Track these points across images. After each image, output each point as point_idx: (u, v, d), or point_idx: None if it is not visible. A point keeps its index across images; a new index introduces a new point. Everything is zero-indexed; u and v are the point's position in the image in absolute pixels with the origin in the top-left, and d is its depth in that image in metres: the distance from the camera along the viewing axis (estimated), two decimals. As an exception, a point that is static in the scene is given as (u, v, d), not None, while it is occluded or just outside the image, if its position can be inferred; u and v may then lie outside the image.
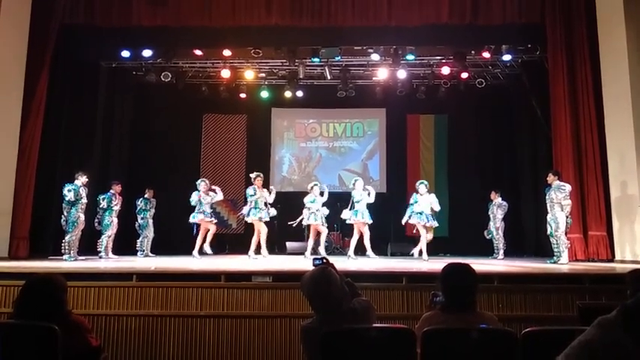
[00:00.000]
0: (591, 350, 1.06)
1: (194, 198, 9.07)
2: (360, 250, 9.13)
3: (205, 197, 9.11)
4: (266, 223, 9.01)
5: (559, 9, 8.82)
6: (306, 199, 9.27)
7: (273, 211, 9.09)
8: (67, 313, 2.76)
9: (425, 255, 8.63)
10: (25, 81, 8.67)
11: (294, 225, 9.79)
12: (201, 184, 9.23)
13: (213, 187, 9.36)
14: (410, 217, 8.82)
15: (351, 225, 9.11)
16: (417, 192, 8.87)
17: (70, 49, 9.33)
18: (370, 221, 8.87)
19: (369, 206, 8.98)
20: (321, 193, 9.28)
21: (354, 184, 9.04)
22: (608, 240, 8.19)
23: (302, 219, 9.39)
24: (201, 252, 8.98)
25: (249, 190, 8.98)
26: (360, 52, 10.86)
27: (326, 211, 9.26)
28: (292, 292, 4.96)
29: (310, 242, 9.36)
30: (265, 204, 9.00)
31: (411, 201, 8.93)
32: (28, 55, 8.74)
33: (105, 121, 11.06)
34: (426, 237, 8.71)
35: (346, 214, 8.99)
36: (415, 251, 8.98)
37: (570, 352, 1.10)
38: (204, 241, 9.05)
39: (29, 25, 8.79)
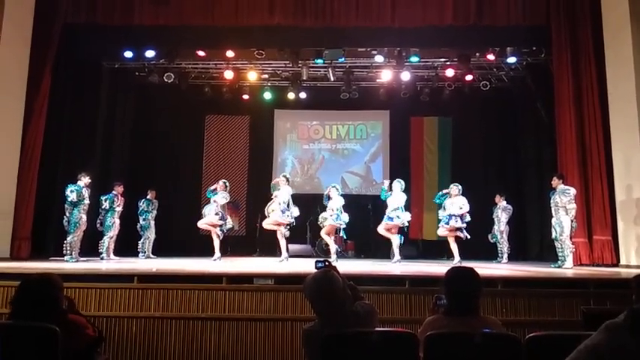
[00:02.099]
0: (598, 354, 1.05)
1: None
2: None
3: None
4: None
5: (564, 11, 8.79)
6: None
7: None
8: (63, 312, 2.76)
9: (457, 257, 8.46)
10: (27, 81, 8.69)
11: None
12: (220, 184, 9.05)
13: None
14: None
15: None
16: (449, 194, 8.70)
17: (73, 48, 9.33)
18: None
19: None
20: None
21: (390, 186, 8.73)
22: (613, 244, 8.13)
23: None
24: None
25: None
26: (364, 53, 10.86)
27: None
28: (294, 294, 4.92)
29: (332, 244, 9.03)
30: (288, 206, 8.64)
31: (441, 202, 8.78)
32: (31, 55, 8.77)
33: (107, 122, 11.06)
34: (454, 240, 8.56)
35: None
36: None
37: (577, 356, 1.09)
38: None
39: (32, 24, 8.82)
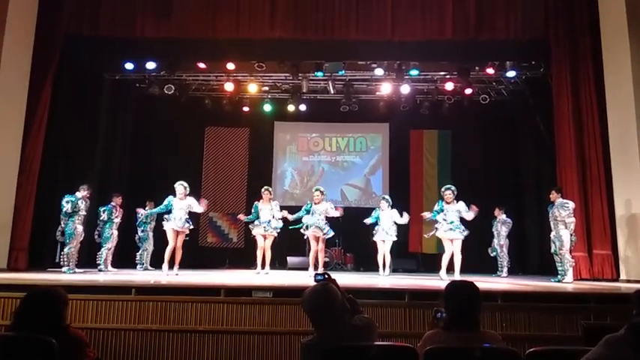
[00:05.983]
0: (599, 368, 1.03)
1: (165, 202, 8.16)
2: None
3: (179, 202, 8.11)
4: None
5: (563, 25, 8.84)
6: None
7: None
8: (66, 327, 2.74)
9: (443, 273, 8.04)
10: (28, 91, 8.71)
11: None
12: (179, 187, 8.19)
13: (202, 200, 8.64)
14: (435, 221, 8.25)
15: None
16: (443, 199, 8.22)
17: (74, 59, 9.33)
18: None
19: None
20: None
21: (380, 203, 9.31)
22: (614, 259, 8.10)
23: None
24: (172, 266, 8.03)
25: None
26: (364, 66, 10.88)
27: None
28: (293, 307, 4.92)
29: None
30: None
31: (436, 207, 8.26)
32: (32, 65, 8.80)
33: (107, 133, 11.06)
34: (451, 251, 8.06)
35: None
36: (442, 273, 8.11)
37: (578, 369, 1.07)
38: (171, 255, 8.00)
39: (34, 35, 8.86)
